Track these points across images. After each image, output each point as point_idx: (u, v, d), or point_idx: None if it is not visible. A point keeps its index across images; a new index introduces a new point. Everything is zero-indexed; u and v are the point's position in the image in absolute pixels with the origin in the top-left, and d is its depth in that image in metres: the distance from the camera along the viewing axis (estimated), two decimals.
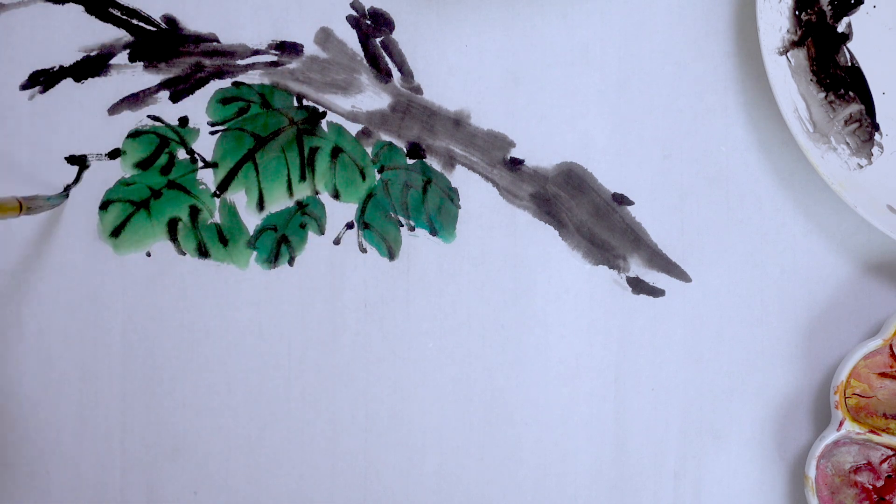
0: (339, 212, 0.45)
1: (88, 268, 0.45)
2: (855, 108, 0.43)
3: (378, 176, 0.45)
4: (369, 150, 0.45)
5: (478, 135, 0.45)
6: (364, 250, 0.45)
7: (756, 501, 0.44)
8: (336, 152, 0.45)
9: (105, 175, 0.45)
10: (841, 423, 0.42)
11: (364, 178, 0.45)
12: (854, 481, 0.43)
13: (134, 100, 0.45)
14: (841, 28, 0.43)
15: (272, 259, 0.45)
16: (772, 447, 0.44)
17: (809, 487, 0.42)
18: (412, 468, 0.44)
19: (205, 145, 0.45)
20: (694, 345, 0.44)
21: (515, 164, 0.45)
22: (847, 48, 0.43)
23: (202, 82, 0.45)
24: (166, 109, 0.45)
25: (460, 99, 0.45)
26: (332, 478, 0.45)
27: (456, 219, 0.45)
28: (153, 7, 0.45)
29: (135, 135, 0.45)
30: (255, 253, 0.45)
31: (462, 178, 0.45)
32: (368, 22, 0.45)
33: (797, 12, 0.43)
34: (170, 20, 0.45)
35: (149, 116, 0.45)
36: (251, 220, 0.45)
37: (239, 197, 0.45)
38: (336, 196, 0.45)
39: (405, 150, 0.45)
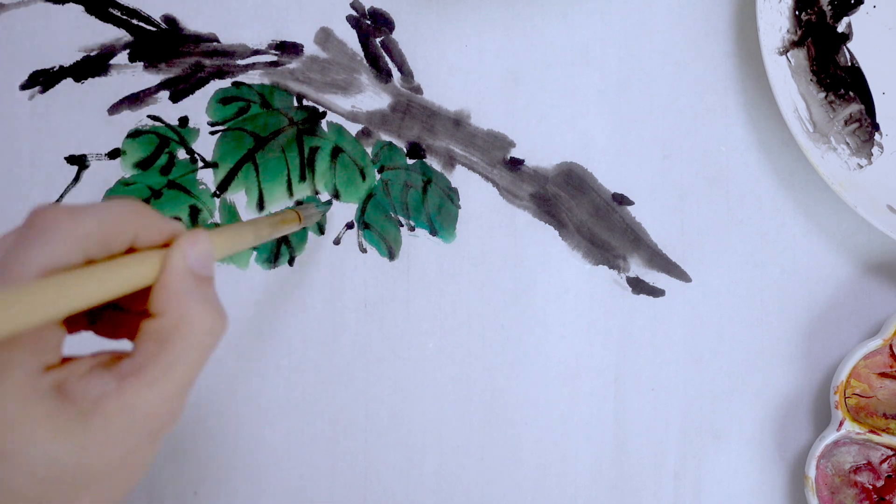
0: (340, 212, 0.45)
1: None
2: (855, 108, 0.43)
3: (378, 176, 0.45)
4: (369, 150, 0.45)
5: (478, 135, 0.45)
6: (364, 250, 0.45)
7: (756, 501, 0.44)
8: (336, 152, 0.45)
9: (105, 175, 0.45)
10: (841, 423, 0.42)
11: (364, 178, 0.45)
12: (854, 481, 0.43)
13: (134, 100, 0.45)
14: (841, 28, 0.43)
15: (272, 259, 0.45)
16: (772, 447, 0.44)
17: (809, 487, 0.42)
18: (412, 468, 0.44)
19: (205, 145, 0.45)
20: (694, 345, 0.44)
21: (515, 164, 0.45)
22: (847, 48, 0.43)
23: (202, 82, 0.45)
24: (166, 109, 0.45)
25: (460, 99, 0.45)
26: (332, 478, 0.45)
27: (456, 219, 0.45)
28: (153, 7, 0.45)
29: (135, 135, 0.45)
30: (255, 253, 0.45)
31: (462, 178, 0.45)
32: (368, 22, 0.45)
33: (797, 12, 0.43)
34: (170, 20, 0.45)
35: (149, 116, 0.45)
36: None
37: (239, 197, 0.45)
38: (336, 196, 0.45)
39: (405, 150, 0.45)
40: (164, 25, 0.45)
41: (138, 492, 0.44)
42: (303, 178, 0.45)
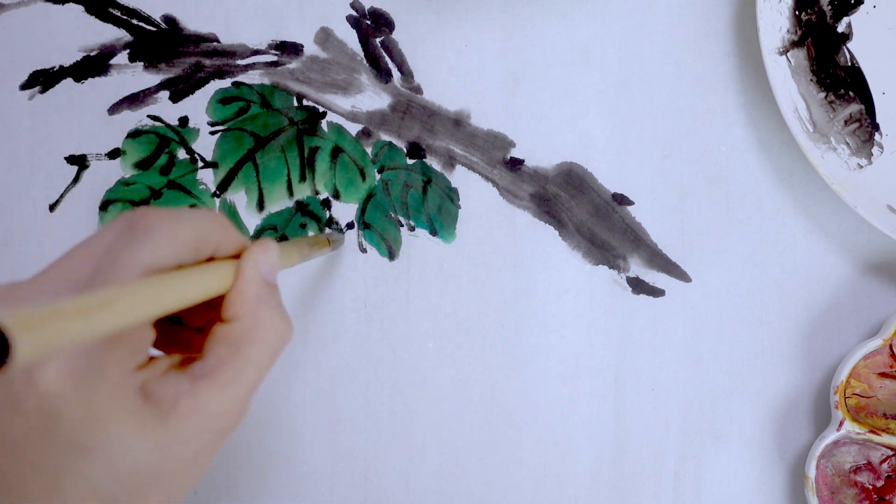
0: (340, 212, 0.45)
1: None
2: (855, 108, 0.43)
3: (378, 176, 0.45)
4: (369, 150, 0.45)
5: (478, 135, 0.45)
6: (364, 250, 0.45)
7: (756, 501, 0.44)
8: (336, 152, 0.45)
9: (105, 175, 0.45)
10: (841, 423, 0.42)
11: (364, 178, 0.45)
12: (854, 481, 0.43)
13: (134, 100, 0.45)
14: (841, 28, 0.43)
15: None
16: (772, 447, 0.44)
17: (809, 487, 0.42)
18: (412, 468, 0.44)
19: (205, 145, 0.45)
20: (694, 345, 0.44)
21: (515, 164, 0.45)
22: (847, 48, 0.43)
23: (202, 82, 0.45)
24: (166, 109, 0.45)
25: (460, 99, 0.45)
26: (332, 478, 0.45)
27: (456, 219, 0.45)
28: (153, 7, 0.45)
29: (135, 135, 0.45)
30: None
31: (462, 178, 0.45)
32: (368, 22, 0.45)
33: (797, 12, 0.43)
34: (170, 20, 0.45)
35: (149, 116, 0.45)
36: (251, 221, 0.45)
37: (239, 197, 0.45)
38: (336, 196, 0.45)
39: (405, 150, 0.45)
40: (164, 25, 0.45)
41: None
42: (303, 178, 0.45)
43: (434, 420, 0.44)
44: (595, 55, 0.45)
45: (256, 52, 0.45)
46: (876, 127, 0.43)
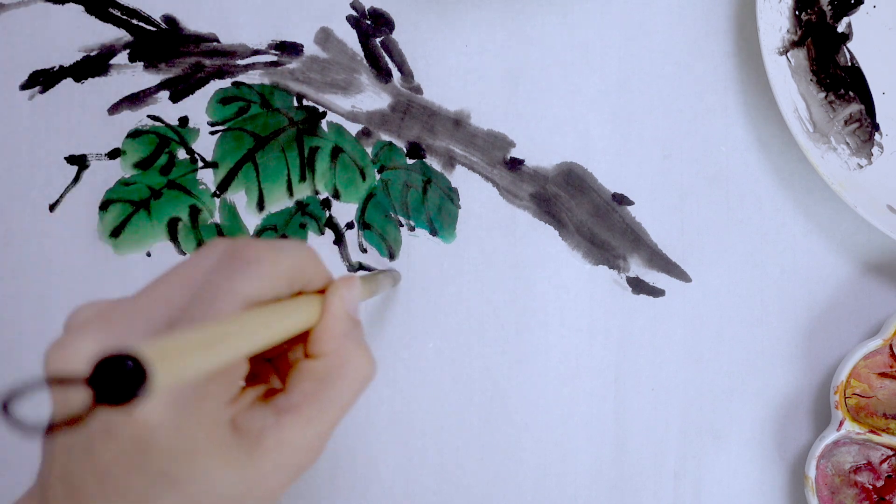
0: (340, 212, 0.45)
1: (88, 268, 0.45)
2: (855, 108, 0.43)
3: (378, 176, 0.45)
4: (369, 150, 0.45)
5: (478, 135, 0.45)
6: (364, 250, 0.45)
7: (756, 501, 0.44)
8: (336, 152, 0.45)
9: (105, 175, 0.45)
10: (841, 423, 0.42)
11: (364, 178, 0.45)
12: (854, 481, 0.43)
13: (134, 100, 0.45)
14: (841, 28, 0.43)
15: None
16: (772, 447, 0.44)
17: (809, 487, 0.42)
18: (412, 468, 0.44)
19: (205, 145, 0.45)
20: (694, 345, 0.44)
21: (515, 164, 0.45)
22: (847, 48, 0.43)
23: (202, 82, 0.45)
24: (166, 109, 0.45)
25: (460, 99, 0.45)
26: (332, 478, 0.45)
27: (456, 219, 0.45)
28: (153, 7, 0.45)
29: (135, 135, 0.45)
30: None
31: (462, 178, 0.45)
32: (368, 22, 0.45)
33: (797, 12, 0.43)
34: (170, 20, 0.45)
35: (149, 116, 0.45)
36: (251, 221, 0.45)
37: (239, 197, 0.45)
38: (336, 196, 0.45)
39: (405, 150, 0.45)
40: (164, 25, 0.45)
41: None
42: (303, 179, 0.45)
43: (434, 420, 0.44)
44: (595, 55, 0.45)
45: (256, 52, 0.45)
46: (876, 127, 0.43)
